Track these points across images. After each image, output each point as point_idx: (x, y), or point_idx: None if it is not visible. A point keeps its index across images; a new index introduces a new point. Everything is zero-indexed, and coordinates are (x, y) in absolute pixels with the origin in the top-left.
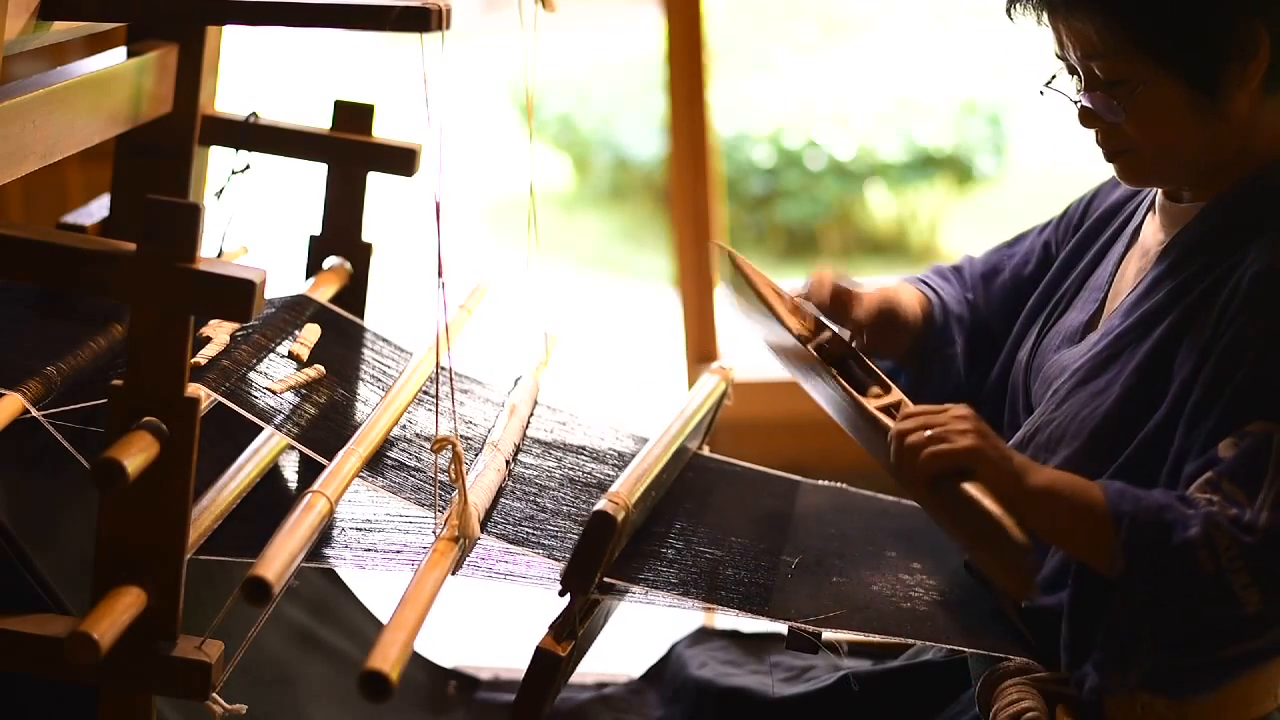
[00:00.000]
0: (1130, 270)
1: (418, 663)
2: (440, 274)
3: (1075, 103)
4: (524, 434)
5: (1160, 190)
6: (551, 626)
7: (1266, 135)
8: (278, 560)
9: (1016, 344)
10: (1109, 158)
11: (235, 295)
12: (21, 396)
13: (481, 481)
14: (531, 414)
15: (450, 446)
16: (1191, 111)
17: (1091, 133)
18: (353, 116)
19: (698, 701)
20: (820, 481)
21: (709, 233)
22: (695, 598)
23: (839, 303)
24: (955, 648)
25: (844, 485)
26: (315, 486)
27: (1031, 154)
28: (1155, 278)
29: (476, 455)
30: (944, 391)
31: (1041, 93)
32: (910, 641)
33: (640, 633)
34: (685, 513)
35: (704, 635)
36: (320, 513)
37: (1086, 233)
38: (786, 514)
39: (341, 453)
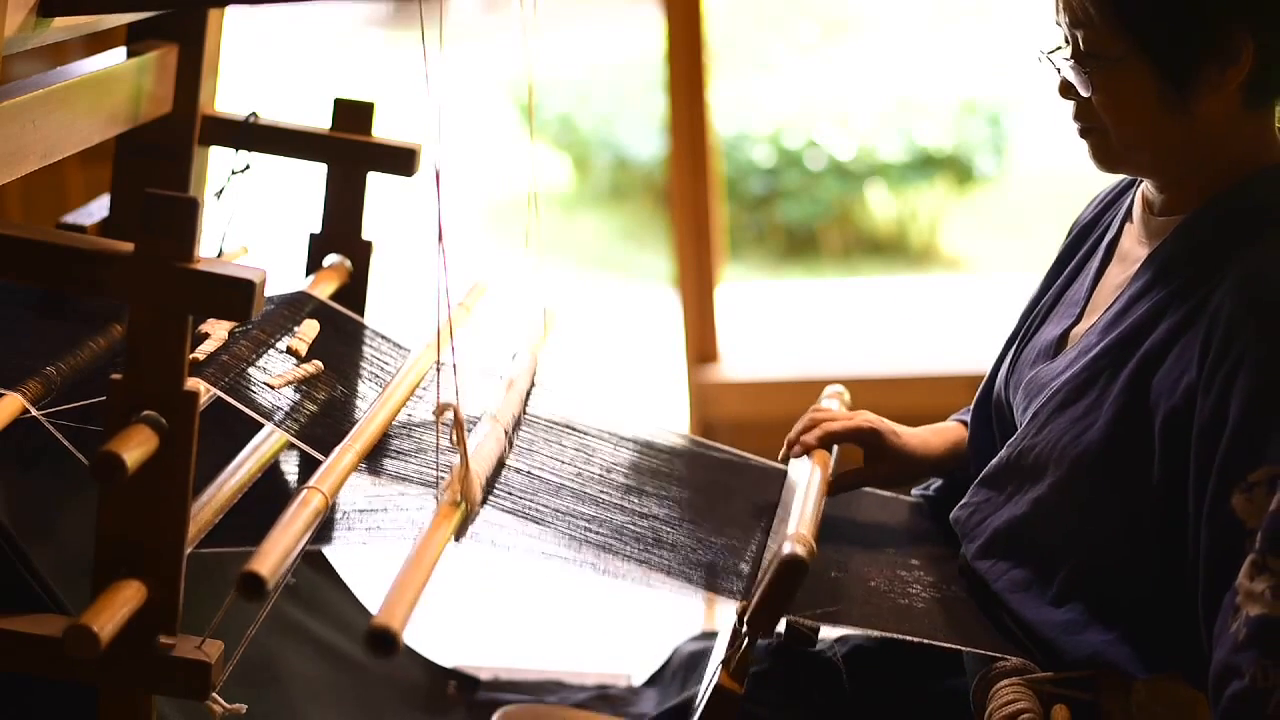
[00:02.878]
0: (1109, 283)
1: (418, 663)
2: (440, 237)
3: (1057, 70)
4: (523, 407)
5: (1138, 199)
6: (724, 663)
7: (1246, 149)
8: (272, 556)
9: (998, 362)
10: (1080, 134)
11: (235, 295)
12: (21, 396)
13: (482, 450)
14: (530, 389)
15: (451, 412)
16: (1159, 102)
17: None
18: (352, 115)
19: (687, 671)
20: None
21: (709, 233)
22: (696, 584)
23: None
24: (953, 647)
25: None
26: (311, 482)
27: (1031, 154)
28: (1134, 294)
29: (473, 429)
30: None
31: (1039, 60)
32: (906, 638)
33: (642, 636)
34: (683, 502)
35: (705, 638)
36: (316, 508)
37: (1063, 253)
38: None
39: (338, 449)
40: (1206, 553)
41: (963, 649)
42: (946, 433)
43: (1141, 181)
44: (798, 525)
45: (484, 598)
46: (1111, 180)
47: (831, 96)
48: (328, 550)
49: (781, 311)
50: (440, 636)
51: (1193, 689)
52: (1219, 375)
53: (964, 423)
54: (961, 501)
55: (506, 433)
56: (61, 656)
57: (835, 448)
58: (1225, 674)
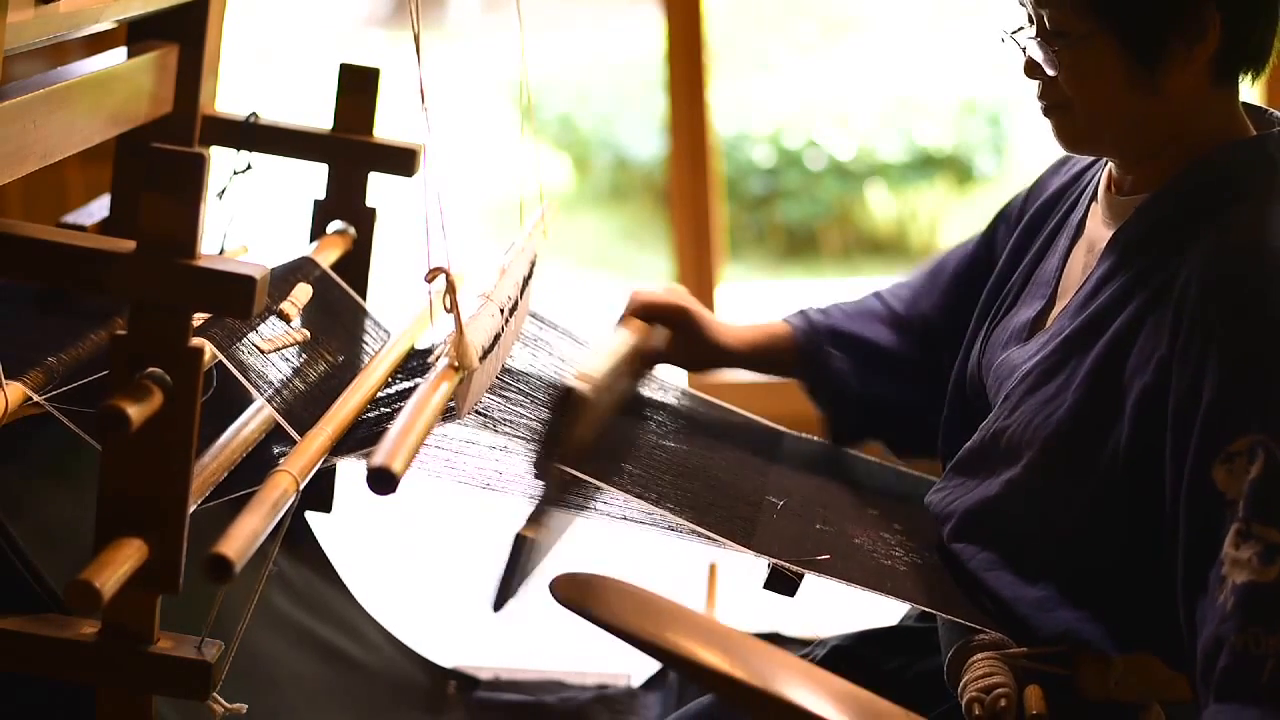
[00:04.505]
0: (1077, 265)
1: (418, 663)
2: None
3: (1023, 50)
4: (521, 294)
5: (1101, 179)
6: (530, 517)
7: (1207, 125)
8: (239, 538)
9: (970, 343)
10: (1044, 113)
11: (236, 291)
12: (24, 386)
13: (477, 322)
14: (529, 276)
15: (444, 276)
16: (1126, 79)
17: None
18: (358, 81)
19: (684, 683)
20: (803, 434)
21: (709, 233)
22: (682, 517)
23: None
24: (933, 611)
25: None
26: (281, 465)
27: (1031, 154)
28: (1101, 276)
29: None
30: (843, 398)
31: (1002, 40)
32: (888, 598)
33: None
34: (673, 436)
35: None
36: (284, 491)
37: (1030, 224)
38: (771, 459)
39: (310, 431)
40: (1187, 529)
41: (943, 616)
42: (761, 328)
43: (1106, 160)
44: (586, 368)
45: (484, 598)
46: None
47: (831, 96)
48: (327, 549)
49: (782, 311)
50: (440, 636)
51: (1170, 669)
52: (1192, 351)
53: (791, 324)
54: (935, 485)
55: (503, 311)
56: (61, 656)
57: (658, 328)
58: (1214, 648)
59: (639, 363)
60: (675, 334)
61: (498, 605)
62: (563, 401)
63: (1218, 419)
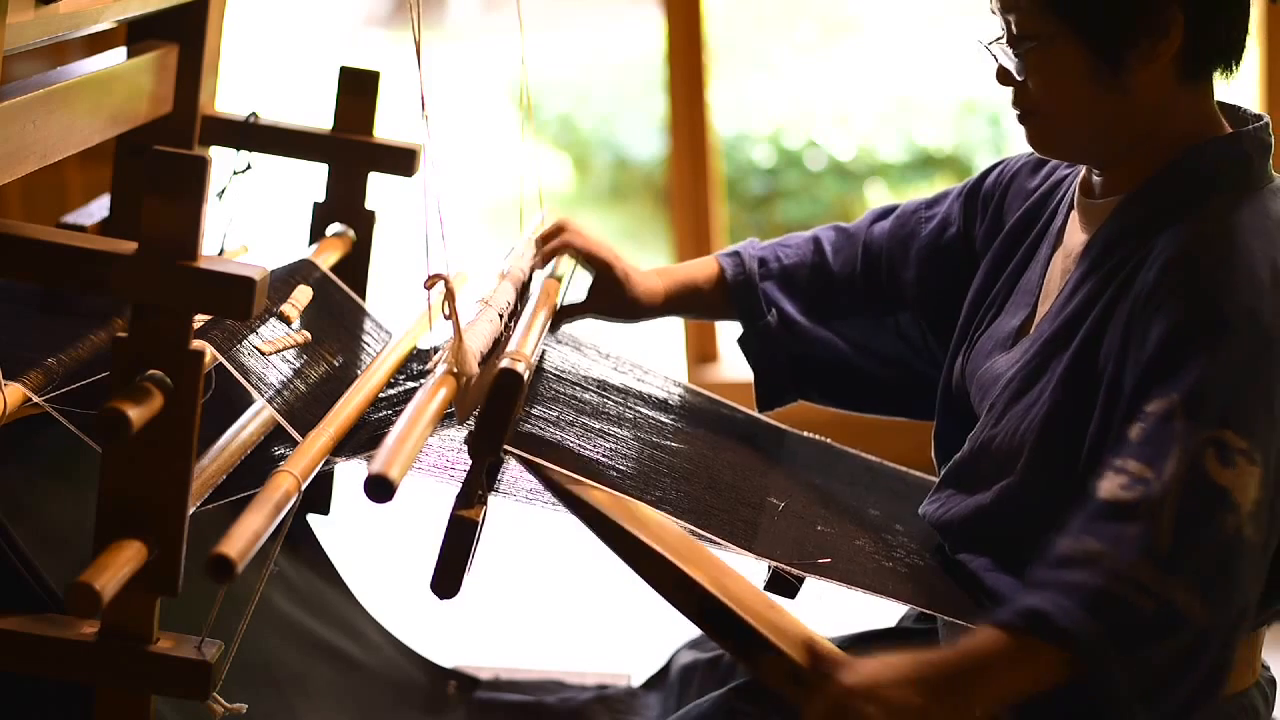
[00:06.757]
0: (1056, 272)
1: (418, 663)
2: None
3: (995, 58)
4: (518, 300)
5: (1077, 186)
6: (459, 497)
7: (1179, 123)
8: (241, 539)
9: (954, 352)
10: (1019, 119)
11: (236, 293)
12: (23, 386)
13: (476, 328)
14: (528, 282)
15: (443, 283)
16: (1091, 78)
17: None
18: (358, 83)
19: (686, 679)
20: (805, 433)
21: (709, 233)
22: (683, 520)
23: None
24: (934, 613)
25: (830, 440)
26: (283, 466)
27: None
28: (1077, 280)
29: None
30: (776, 339)
31: (979, 49)
32: (890, 601)
33: (642, 636)
34: (673, 435)
35: (704, 640)
36: (287, 491)
37: (1011, 232)
38: (773, 458)
39: (312, 433)
40: None
41: (943, 618)
42: (677, 274)
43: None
44: (518, 345)
45: (484, 598)
46: None
47: (831, 96)
48: (328, 549)
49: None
50: (440, 636)
51: None
52: (1140, 324)
53: (722, 263)
54: (929, 496)
55: (502, 316)
56: (61, 656)
57: (574, 266)
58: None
59: (554, 321)
60: (596, 285)
61: (446, 592)
62: (504, 384)
63: (1145, 383)
